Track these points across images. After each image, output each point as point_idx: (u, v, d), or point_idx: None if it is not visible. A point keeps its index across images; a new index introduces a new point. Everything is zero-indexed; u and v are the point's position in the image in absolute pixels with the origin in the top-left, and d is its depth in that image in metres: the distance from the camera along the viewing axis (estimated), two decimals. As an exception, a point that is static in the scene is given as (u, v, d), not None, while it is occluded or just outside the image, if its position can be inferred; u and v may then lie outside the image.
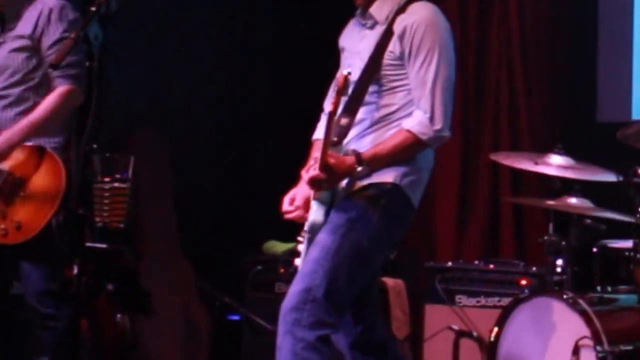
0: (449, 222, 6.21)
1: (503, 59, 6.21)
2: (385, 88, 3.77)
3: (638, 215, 4.49)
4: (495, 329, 4.59)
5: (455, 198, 6.22)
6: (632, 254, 4.57)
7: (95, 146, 3.34)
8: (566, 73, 6.17)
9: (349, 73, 3.70)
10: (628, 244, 4.62)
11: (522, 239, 6.04)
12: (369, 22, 3.85)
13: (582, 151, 4.85)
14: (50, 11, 4.30)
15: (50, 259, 4.22)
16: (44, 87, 4.31)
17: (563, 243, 4.68)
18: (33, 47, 4.30)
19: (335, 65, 4.01)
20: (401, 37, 3.74)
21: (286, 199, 3.89)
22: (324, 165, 3.66)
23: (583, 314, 4.35)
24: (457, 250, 6.11)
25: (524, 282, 5.21)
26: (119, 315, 4.86)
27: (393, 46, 3.75)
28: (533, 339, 4.51)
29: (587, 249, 4.70)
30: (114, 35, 3.44)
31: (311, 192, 3.79)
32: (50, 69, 4.15)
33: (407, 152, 3.73)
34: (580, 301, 4.40)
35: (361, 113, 3.78)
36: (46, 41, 4.29)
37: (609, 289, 4.62)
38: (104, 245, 4.58)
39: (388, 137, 3.74)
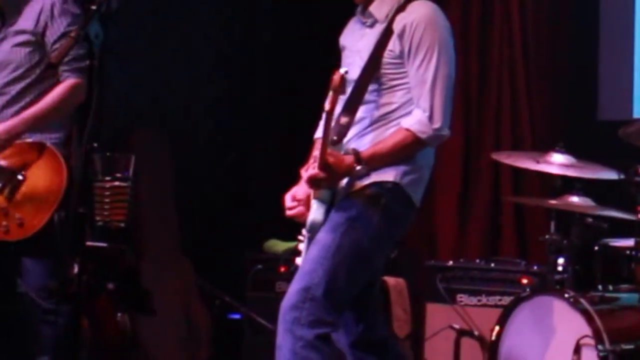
0: (450, 221, 6.20)
1: (504, 59, 6.20)
2: (384, 87, 3.76)
3: (639, 214, 4.49)
4: (497, 328, 4.59)
5: (457, 197, 6.21)
6: (633, 252, 4.58)
7: (95, 145, 3.34)
8: (567, 72, 6.17)
9: (346, 72, 3.69)
10: (629, 242, 4.62)
11: (524, 238, 6.03)
12: (369, 21, 3.84)
13: (584, 150, 4.85)
14: (53, 5, 4.30)
15: (52, 254, 4.22)
16: (44, 83, 4.31)
17: (564, 242, 4.68)
18: (36, 42, 4.31)
19: (336, 65, 4.00)
20: (401, 36, 3.73)
21: (288, 197, 3.88)
22: (323, 164, 3.65)
23: (584, 313, 4.35)
24: (459, 249, 6.10)
25: (525, 281, 5.21)
26: (119, 315, 4.85)
27: (393, 45, 3.74)
28: (534, 338, 4.51)
29: (589, 248, 4.69)
30: (114, 34, 3.44)
31: (311, 191, 3.78)
32: (49, 67, 4.15)
33: (407, 151, 3.72)
34: (582, 300, 4.40)
35: (361, 112, 3.77)
36: (51, 36, 4.29)
37: (611, 287, 4.62)
38: (104, 245, 4.58)
39: (387, 136, 3.73)
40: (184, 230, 6.06)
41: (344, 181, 3.75)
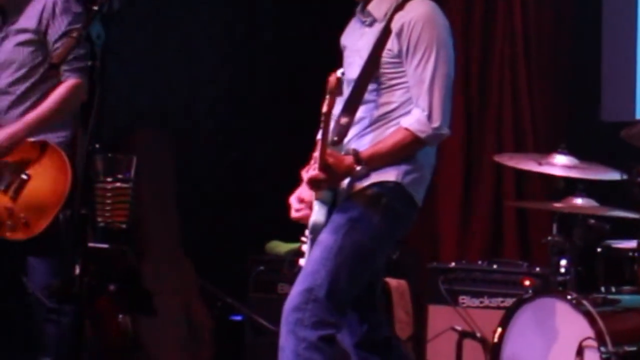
0: (452, 223, 6.20)
1: (506, 60, 6.20)
2: (384, 86, 3.76)
3: (643, 215, 4.49)
4: (499, 330, 4.58)
5: (459, 198, 6.21)
6: (636, 254, 4.57)
7: (97, 146, 3.33)
8: (570, 73, 6.16)
9: (342, 73, 3.69)
10: (632, 244, 4.61)
11: (526, 239, 6.03)
12: (368, 20, 3.84)
13: (586, 151, 4.84)
14: (55, 4, 4.30)
15: (57, 253, 4.21)
16: (47, 83, 4.30)
17: (567, 243, 4.67)
18: (39, 41, 4.30)
19: (337, 65, 3.99)
20: (399, 35, 3.72)
21: (293, 199, 3.87)
22: (323, 165, 3.65)
23: (587, 314, 4.34)
24: (461, 251, 6.10)
25: (527, 282, 5.20)
26: (120, 316, 4.85)
27: (391, 44, 3.74)
28: (537, 339, 4.50)
29: (591, 250, 4.68)
30: (115, 34, 3.43)
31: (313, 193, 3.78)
32: (51, 67, 4.15)
33: (406, 150, 3.72)
34: (584, 302, 4.39)
35: (360, 112, 3.77)
36: (52, 34, 4.28)
37: (613, 289, 4.61)
38: (106, 246, 4.57)
39: (387, 136, 3.72)
40: (186, 231, 6.05)
41: (345, 182, 3.75)
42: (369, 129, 3.77)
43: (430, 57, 3.70)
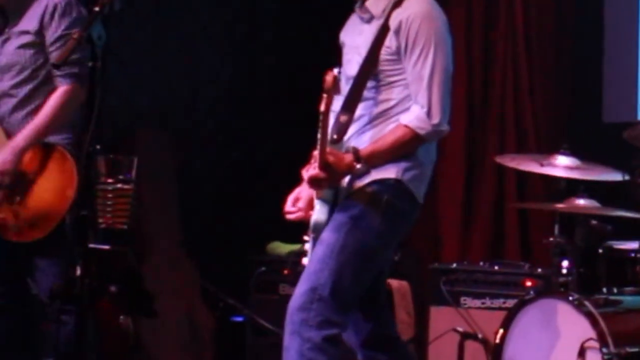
0: (454, 224, 6.19)
1: (508, 60, 6.19)
2: (382, 83, 3.75)
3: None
4: (501, 331, 4.58)
5: (460, 199, 6.20)
6: (638, 255, 4.57)
7: (98, 147, 3.33)
8: (571, 73, 6.15)
9: (339, 72, 3.70)
10: (634, 245, 4.61)
11: (528, 240, 6.02)
12: (366, 16, 3.83)
13: (588, 152, 4.83)
14: (55, 7, 4.28)
15: (65, 254, 4.20)
16: (50, 85, 4.29)
17: (569, 244, 4.66)
18: (40, 43, 4.29)
19: (337, 63, 3.98)
20: (397, 32, 3.72)
21: (289, 199, 3.87)
22: (323, 164, 3.65)
23: (589, 315, 4.34)
24: (462, 252, 6.09)
25: (529, 283, 5.20)
26: (122, 317, 4.84)
27: (389, 41, 3.73)
28: (538, 340, 4.50)
29: (593, 250, 4.67)
30: (115, 34, 3.43)
31: (314, 191, 3.77)
32: (52, 68, 4.14)
33: (406, 147, 3.71)
34: (586, 303, 4.39)
35: (360, 109, 3.76)
36: (49, 37, 4.27)
37: (615, 290, 4.60)
38: (107, 247, 4.57)
39: (386, 133, 3.72)
40: (186, 232, 6.05)
41: (346, 180, 3.74)
42: (368, 127, 3.76)
43: (428, 53, 3.69)
